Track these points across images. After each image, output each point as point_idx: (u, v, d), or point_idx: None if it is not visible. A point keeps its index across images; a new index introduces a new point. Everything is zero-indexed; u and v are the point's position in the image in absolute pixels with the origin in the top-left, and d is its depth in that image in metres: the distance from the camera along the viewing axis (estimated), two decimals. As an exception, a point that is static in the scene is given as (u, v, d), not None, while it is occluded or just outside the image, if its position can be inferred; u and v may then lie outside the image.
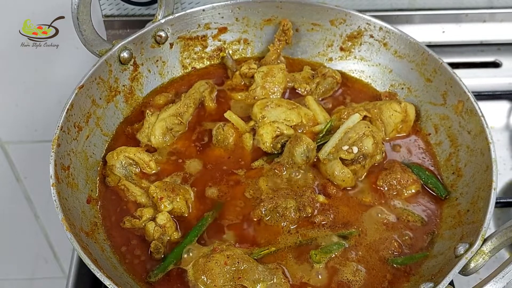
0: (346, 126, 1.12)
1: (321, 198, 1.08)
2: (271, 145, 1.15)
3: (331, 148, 1.11)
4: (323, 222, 1.05)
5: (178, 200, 1.04)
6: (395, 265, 1.01)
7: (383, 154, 1.15)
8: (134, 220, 1.03)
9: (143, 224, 1.03)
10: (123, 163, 1.10)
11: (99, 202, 1.08)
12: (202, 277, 0.94)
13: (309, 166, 1.13)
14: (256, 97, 1.24)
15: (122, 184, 1.08)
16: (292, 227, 1.05)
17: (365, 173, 1.13)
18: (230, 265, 0.94)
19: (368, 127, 1.12)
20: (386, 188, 1.11)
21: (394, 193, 1.10)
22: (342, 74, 1.30)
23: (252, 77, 1.26)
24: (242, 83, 1.28)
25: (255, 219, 1.05)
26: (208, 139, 1.18)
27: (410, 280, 0.99)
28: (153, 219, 1.02)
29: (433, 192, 1.12)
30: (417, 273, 1.00)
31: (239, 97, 1.26)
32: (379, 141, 1.13)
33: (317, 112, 1.20)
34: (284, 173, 1.11)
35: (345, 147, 1.09)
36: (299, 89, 1.27)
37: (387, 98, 1.25)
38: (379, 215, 1.07)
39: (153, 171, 1.12)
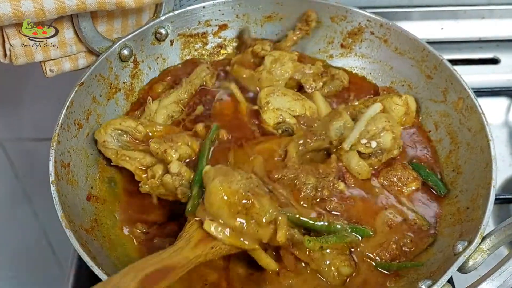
0: (368, 116, 1.10)
1: (342, 186, 1.06)
2: (273, 130, 1.14)
3: (355, 139, 1.08)
4: (334, 211, 1.03)
5: (181, 146, 1.04)
6: (382, 271, 0.99)
7: (400, 149, 1.13)
8: (150, 180, 1.03)
9: (160, 180, 1.02)
10: (113, 135, 1.08)
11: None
12: (221, 176, 0.91)
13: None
14: (259, 79, 1.22)
15: (122, 155, 1.07)
16: (304, 203, 1.03)
17: (380, 165, 1.12)
18: (249, 182, 0.92)
19: (388, 122, 1.09)
20: (387, 185, 1.10)
21: (396, 190, 1.09)
22: (343, 71, 1.29)
23: (263, 58, 1.23)
24: (252, 61, 1.26)
25: (275, 177, 1.04)
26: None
27: (398, 281, 0.98)
28: (166, 172, 1.02)
29: (433, 189, 1.11)
30: (405, 275, 0.99)
31: (244, 75, 1.24)
32: (397, 136, 1.11)
33: (322, 109, 1.18)
34: (311, 144, 1.09)
35: (364, 141, 1.08)
36: (305, 84, 1.24)
37: (385, 93, 1.24)
38: (387, 215, 1.05)
39: (143, 133, 1.09)
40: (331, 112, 1.11)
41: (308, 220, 0.99)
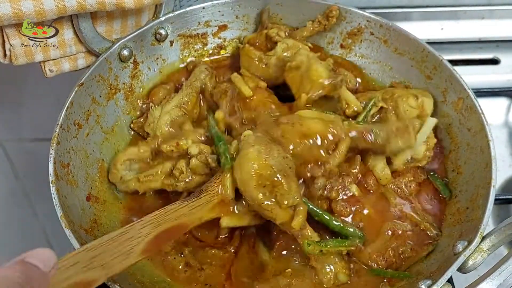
0: (424, 134, 1.09)
1: (354, 189, 1.03)
2: (326, 81, 1.09)
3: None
4: (338, 214, 1.01)
5: (189, 133, 1.07)
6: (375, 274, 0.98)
7: (430, 159, 1.12)
8: (181, 176, 1.03)
9: (189, 169, 1.03)
10: (125, 168, 1.09)
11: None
12: (260, 146, 0.92)
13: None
14: (267, 64, 1.20)
15: (143, 177, 1.07)
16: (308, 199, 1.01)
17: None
18: (285, 162, 0.92)
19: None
20: (395, 189, 1.08)
21: (404, 196, 1.08)
22: (351, 74, 1.27)
23: (276, 43, 1.22)
24: (264, 43, 1.24)
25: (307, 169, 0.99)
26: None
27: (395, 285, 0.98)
28: (190, 159, 1.03)
29: (436, 191, 1.10)
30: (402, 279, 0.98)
31: (253, 56, 1.22)
32: (431, 148, 1.10)
33: (352, 101, 1.14)
34: (363, 145, 1.04)
35: None
36: None
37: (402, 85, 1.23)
38: (394, 223, 1.03)
39: (149, 151, 1.09)
40: (401, 124, 1.05)
41: (325, 216, 0.98)
